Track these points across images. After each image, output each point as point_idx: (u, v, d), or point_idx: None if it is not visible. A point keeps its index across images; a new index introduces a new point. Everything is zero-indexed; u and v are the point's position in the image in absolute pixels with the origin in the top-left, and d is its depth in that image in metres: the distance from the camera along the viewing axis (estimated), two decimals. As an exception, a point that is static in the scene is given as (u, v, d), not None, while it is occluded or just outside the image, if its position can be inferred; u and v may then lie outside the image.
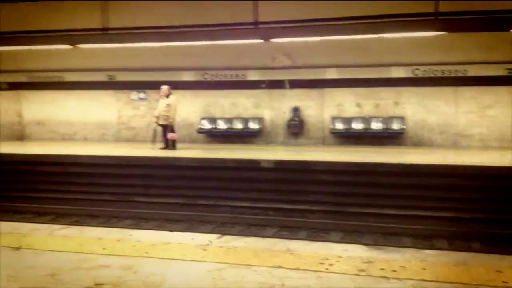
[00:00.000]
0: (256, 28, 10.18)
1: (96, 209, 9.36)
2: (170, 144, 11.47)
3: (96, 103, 14.65)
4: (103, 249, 3.94)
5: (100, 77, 14.00)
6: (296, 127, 13.10)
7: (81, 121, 14.82)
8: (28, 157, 11.08)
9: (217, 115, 13.79)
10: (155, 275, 3.35)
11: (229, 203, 9.57)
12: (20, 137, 15.25)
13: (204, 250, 3.91)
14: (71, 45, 11.65)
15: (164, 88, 11.61)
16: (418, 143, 12.37)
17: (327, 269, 3.43)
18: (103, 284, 3.19)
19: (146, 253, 3.83)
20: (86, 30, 11.31)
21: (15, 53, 13.01)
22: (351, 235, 7.66)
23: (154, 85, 12.65)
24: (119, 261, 3.64)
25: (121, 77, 13.97)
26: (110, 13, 11.47)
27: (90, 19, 11.47)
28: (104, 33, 11.35)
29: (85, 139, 14.74)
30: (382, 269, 3.41)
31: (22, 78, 14.60)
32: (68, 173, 10.64)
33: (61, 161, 10.77)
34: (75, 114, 14.79)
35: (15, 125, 15.33)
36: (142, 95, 14.30)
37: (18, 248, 3.96)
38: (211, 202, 9.63)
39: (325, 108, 13.07)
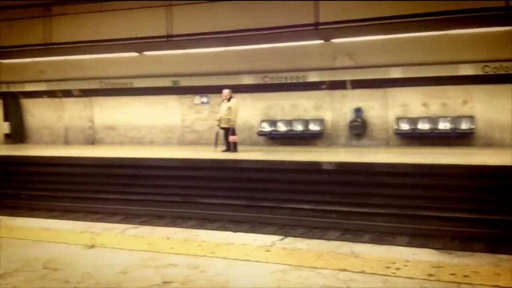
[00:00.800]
0: (316, 29, 10.15)
1: (163, 209, 9.67)
2: (231, 147, 11.64)
3: (161, 107, 15.18)
4: (171, 248, 4.06)
5: (165, 82, 14.52)
6: (359, 128, 12.86)
7: (148, 125, 15.40)
8: (100, 160, 11.64)
9: (277, 117, 13.84)
10: (220, 275, 3.41)
11: (291, 205, 9.56)
12: (92, 141, 16.08)
13: (267, 251, 3.93)
14: (138, 52, 12.20)
15: (226, 92, 11.80)
16: (489, 144, 11.77)
17: (393, 273, 3.34)
18: (171, 282, 3.28)
19: (212, 253, 3.90)
20: (152, 37, 11.81)
21: (87, 61, 13.77)
22: (418, 239, 7.40)
23: (216, 89, 12.93)
24: (186, 260, 3.73)
25: (184, 82, 14.41)
26: (174, 20, 11.87)
27: (155, 27, 11.93)
28: (169, 40, 11.79)
29: (151, 143, 15.30)
30: (453, 274, 3.27)
31: (93, 85, 15.44)
32: (137, 176, 11.07)
33: (132, 164, 11.23)
34: (142, 119, 15.41)
35: (87, 130, 16.20)
36: (204, 99, 14.65)
37: (91, 246, 4.17)
38: (273, 204, 9.65)
39: (389, 108, 12.74)
